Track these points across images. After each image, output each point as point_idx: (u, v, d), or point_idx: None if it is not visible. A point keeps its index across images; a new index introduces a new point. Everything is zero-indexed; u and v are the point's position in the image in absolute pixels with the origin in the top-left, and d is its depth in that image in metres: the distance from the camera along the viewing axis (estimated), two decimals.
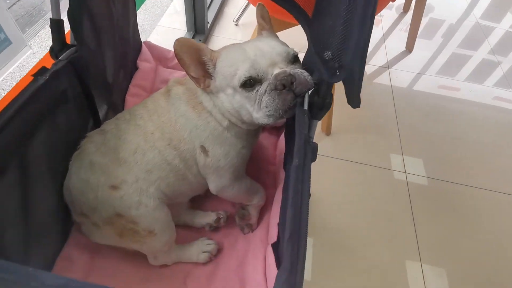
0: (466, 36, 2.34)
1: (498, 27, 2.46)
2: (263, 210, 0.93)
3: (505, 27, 2.48)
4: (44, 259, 0.77)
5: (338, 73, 0.60)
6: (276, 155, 1.10)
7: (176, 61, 1.35)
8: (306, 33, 0.81)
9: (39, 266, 0.73)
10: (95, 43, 0.82)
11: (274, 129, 1.17)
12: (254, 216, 0.91)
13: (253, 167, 1.00)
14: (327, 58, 0.62)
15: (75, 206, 0.75)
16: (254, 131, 0.81)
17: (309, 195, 0.51)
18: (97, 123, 0.89)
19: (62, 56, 0.72)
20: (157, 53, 1.28)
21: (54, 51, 0.73)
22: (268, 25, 0.80)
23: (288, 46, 0.73)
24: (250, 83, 0.67)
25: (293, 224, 0.45)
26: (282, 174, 0.96)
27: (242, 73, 0.66)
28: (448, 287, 1.13)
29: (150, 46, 1.27)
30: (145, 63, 1.21)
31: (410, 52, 2.16)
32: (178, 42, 0.68)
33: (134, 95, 1.13)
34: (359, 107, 0.72)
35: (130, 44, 1.10)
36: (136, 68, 1.19)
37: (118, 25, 0.95)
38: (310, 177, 0.53)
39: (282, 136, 1.11)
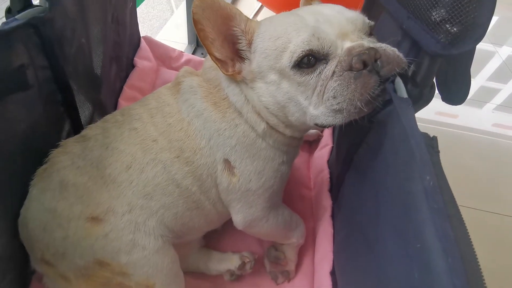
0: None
1: None
2: (302, 250, 0.73)
3: None
4: None
5: (458, 42, 0.38)
6: (311, 177, 0.86)
7: (182, 61, 1.16)
8: None
9: None
10: (76, 9, 0.59)
11: (305, 144, 0.94)
12: (291, 259, 0.72)
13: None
14: (437, 19, 0.40)
15: (34, 248, 0.55)
16: (297, 140, 0.58)
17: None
18: (77, 128, 0.69)
19: (19, 15, 0.48)
20: (160, 51, 1.10)
21: (12, 13, 0.50)
22: None
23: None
24: (309, 62, 0.46)
25: None
26: (326, 201, 0.73)
27: (298, 45, 0.45)
28: None
29: (151, 42, 1.08)
30: (144, 61, 1.02)
31: None
32: (200, 2, 0.45)
33: (130, 98, 0.93)
34: (463, 102, 0.51)
35: (126, 33, 0.88)
36: (132, 66, 0.97)
37: (112, 1, 0.72)
38: (458, 208, 0.28)
39: (318, 154, 0.88)
